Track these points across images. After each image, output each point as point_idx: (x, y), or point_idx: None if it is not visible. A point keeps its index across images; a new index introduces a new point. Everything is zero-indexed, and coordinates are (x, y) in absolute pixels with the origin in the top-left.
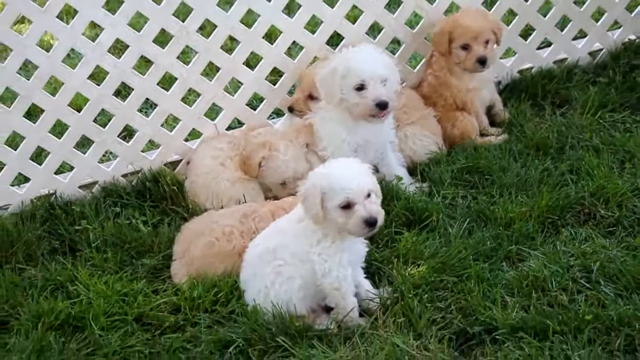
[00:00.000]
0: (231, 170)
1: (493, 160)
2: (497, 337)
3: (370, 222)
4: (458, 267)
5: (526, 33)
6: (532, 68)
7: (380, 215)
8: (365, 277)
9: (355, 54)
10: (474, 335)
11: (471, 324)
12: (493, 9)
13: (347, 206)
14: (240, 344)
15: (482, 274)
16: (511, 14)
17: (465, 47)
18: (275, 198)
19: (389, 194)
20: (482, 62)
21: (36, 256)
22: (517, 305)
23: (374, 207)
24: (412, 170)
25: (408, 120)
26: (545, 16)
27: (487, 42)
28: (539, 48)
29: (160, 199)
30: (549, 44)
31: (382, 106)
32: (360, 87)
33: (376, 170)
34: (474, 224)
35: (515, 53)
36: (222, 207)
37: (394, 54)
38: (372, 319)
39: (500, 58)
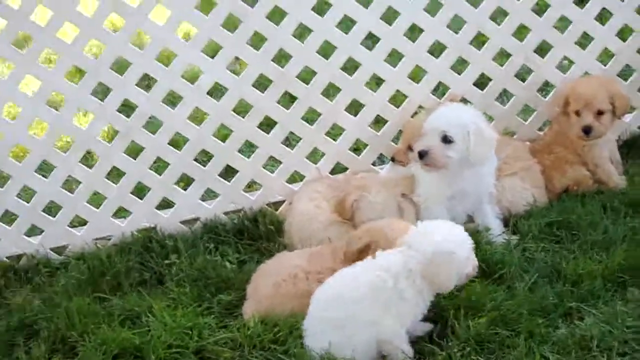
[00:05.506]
0: (326, 213)
1: (584, 216)
2: None
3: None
4: (515, 321)
5: None
6: None
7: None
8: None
9: (440, 107)
10: None
11: None
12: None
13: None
14: None
15: (534, 330)
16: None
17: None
18: None
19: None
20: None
21: (123, 287)
22: None
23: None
24: (508, 221)
25: (509, 171)
26: None
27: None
28: None
29: (258, 238)
30: None
31: (420, 155)
32: None
33: (471, 220)
34: (545, 279)
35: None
36: None
37: (504, 106)
38: None
39: None
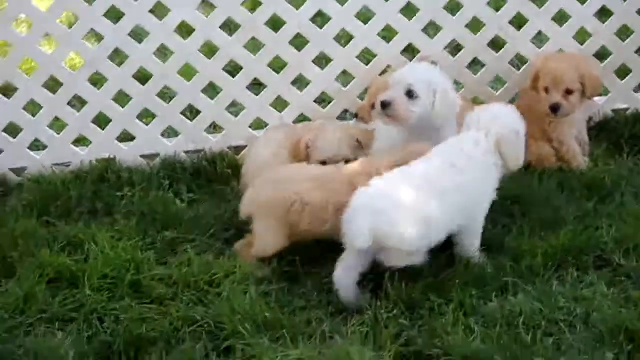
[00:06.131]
0: (283, 160)
1: (539, 192)
2: None
3: None
4: (449, 290)
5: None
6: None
7: None
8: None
9: (408, 64)
10: (430, 357)
11: (429, 347)
12: None
13: None
14: (205, 325)
15: (466, 300)
16: None
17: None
18: None
19: None
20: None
21: (72, 214)
22: (481, 336)
23: None
24: None
25: None
26: None
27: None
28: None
29: (214, 180)
30: None
31: (383, 105)
32: None
33: None
34: (487, 251)
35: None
36: None
37: (475, 75)
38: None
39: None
